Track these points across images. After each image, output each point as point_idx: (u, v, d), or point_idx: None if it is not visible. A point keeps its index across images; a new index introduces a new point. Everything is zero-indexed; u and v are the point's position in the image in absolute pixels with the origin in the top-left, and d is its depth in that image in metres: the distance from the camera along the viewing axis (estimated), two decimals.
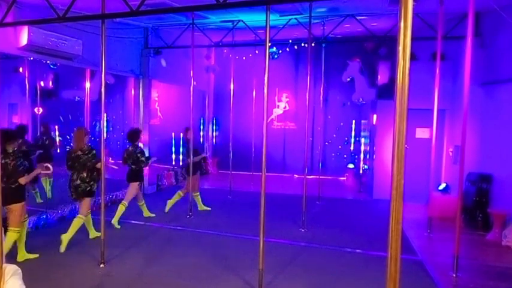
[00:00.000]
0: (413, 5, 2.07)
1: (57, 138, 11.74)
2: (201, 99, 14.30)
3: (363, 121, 12.57)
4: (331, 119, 13.80)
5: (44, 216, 7.35)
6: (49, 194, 8.67)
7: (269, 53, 4.77)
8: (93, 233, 6.78)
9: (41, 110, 10.91)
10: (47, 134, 9.70)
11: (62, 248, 6.06)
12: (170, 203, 8.59)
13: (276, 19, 9.08)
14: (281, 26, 9.44)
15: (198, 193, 8.79)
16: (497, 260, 6.14)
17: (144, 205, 8.20)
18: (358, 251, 6.40)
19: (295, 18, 9.15)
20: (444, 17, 6.95)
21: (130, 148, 7.67)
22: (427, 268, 5.67)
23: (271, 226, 6.38)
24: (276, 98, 14.09)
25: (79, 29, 7.97)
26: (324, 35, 10.17)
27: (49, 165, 5.98)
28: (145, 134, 10.65)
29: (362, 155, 12.02)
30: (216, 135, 14.96)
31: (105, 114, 5.78)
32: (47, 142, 9.38)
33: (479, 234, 7.30)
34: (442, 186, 8.93)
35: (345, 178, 13.36)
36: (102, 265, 5.55)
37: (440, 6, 6.73)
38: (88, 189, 6.33)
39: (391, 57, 10.29)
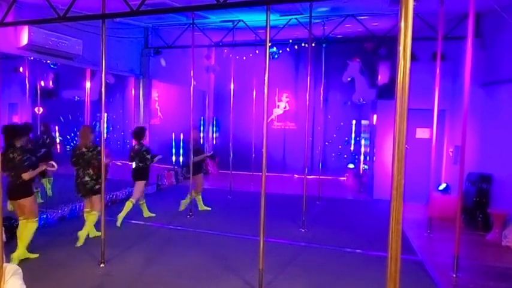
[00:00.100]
0: (413, 5, 2.07)
1: (58, 138, 11.74)
2: (201, 99, 14.31)
3: (363, 122, 12.57)
4: (331, 119, 13.81)
5: (44, 216, 7.34)
6: (50, 193, 8.68)
7: (269, 53, 4.77)
8: (93, 232, 6.78)
9: (41, 109, 10.92)
10: (47, 133, 9.71)
11: (79, 243, 6.30)
12: (184, 204, 8.61)
13: (276, 19, 9.09)
14: (281, 26, 9.43)
15: (200, 193, 8.80)
16: (497, 260, 6.14)
17: (145, 205, 8.20)
18: (358, 251, 6.40)
19: (296, 18, 9.15)
20: (445, 17, 6.95)
21: (136, 146, 7.77)
22: (427, 268, 5.67)
23: (271, 226, 6.37)
24: (276, 98, 14.09)
25: (79, 28, 7.97)
26: (324, 35, 10.17)
27: (53, 163, 6.04)
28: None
29: (362, 155, 12.03)
30: (216, 136, 14.95)
31: (105, 114, 5.79)
32: (47, 141, 9.38)
33: (480, 234, 7.30)
34: (442, 186, 8.93)
35: (345, 178, 13.36)
36: (102, 265, 5.55)
37: (440, 7, 6.73)
38: (97, 187, 6.38)
39: (391, 57, 10.29)
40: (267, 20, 4.60)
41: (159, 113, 14.19)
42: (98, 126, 11.99)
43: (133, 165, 7.83)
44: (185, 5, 5.36)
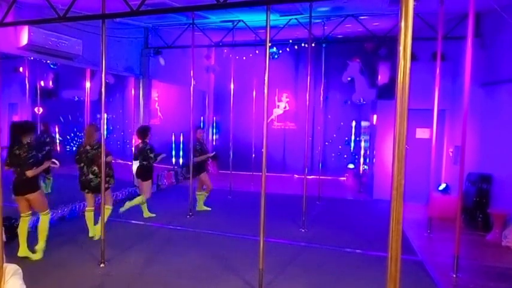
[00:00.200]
0: (414, 5, 2.07)
1: (57, 138, 11.74)
2: (201, 99, 14.31)
3: (363, 124, 12.56)
4: (331, 119, 13.81)
5: None
6: (48, 189, 8.68)
7: (269, 53, 4.77)
8: (92, 232, 6.79)
9: (41, 109, 10.92)
10: (47, 132, 9.71)
11: (96, 238, 6.51)
12: (200, 204, 8.68)
13: (276, 19, 9.08)
14: (281, 26, 9.43)
15: (201, 193, 8.82)
16: (497, 260, 6.13)
17: (146, 204, 8.20)
18: (358, 251, 6.40)
19: (296, 19, 9.15)
20: (444, 17, 6.95)
21: (140, 145, 7.88)
22: (427, 268, 5.67)
23: (271, 226, 6.37)
24: (276, 98, 14.09)
25: (79, 28, 7.97)
26: (324, 35, 10.17)
27: (55, 161, 6.10)
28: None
29: (362, 155, 12.03)
30: (216, 137, 14.95)
31: (105, 114, 5.79)
32: (47, 140, 9.39)
33: (480, 234, 7.30)
34: (442, 186, 8.93)
35: (345, 178, 13.37)
36: (102, 265, 5.55)
37: (440, 7, 6.73)
38: (106, 185, 6.39)
39: (391, 58, 10.29)
40: (267, 20, 4.60)
41: (159, 113, 14.20)
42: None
43: (137, 163, 7.98)
44: (185, 5, 5.35)
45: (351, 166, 13.15)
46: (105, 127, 7.53)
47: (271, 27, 4.91)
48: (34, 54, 7.52)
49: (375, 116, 10.62)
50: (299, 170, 13.26)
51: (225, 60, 13.30)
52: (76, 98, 12.66)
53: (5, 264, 2.47)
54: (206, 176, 8.69)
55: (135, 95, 11.04)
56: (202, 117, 14.33)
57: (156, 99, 13.91)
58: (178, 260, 5.84)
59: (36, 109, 10.98)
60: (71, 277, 5.23)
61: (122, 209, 7.67)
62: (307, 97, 7.81)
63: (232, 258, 5.94)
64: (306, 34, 8.68)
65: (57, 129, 11.75)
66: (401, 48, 2.07)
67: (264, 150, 4.79)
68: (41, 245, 5.82)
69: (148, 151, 7.79)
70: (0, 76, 7.07)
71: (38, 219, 7.07)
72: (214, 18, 9.64)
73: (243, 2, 4.73)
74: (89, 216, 6.78)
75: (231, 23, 9.89)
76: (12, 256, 5.46)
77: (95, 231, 6.72)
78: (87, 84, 11.05)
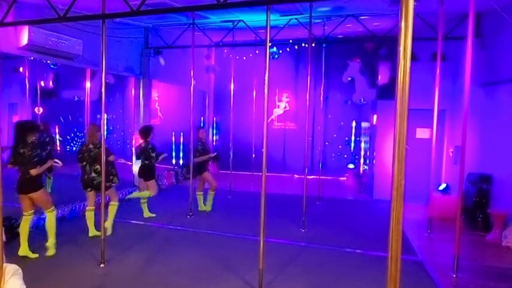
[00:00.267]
0: (414, 5, 2.07)
1: (57, 138, 11.74)
2: (201, 99, 14.31)
3: (363, 125, 12.55)
4: (332, 119, 13.80)
5: (44, 216, 7.33)
6: (48, 189, 8.69)
7: (269, 53, 4.77)
8: (92, 232, 6.80)
9: (41, 109, 10.92)
10: (47, 132, 9.71)
11: (108, 233, 6.60)
12: (209, 203, 8.70)
13: (276, 19, 9.08)
14: (281, 26, 9.43)
15: (202, 193, 8.83)
16: (497, 260, 6.13)
17: (146, 205, 8.21)
18: (358, 251, 6.40)
19: (296, 19, 9.15)
20: (445, 17, 6.95)
21: (142, 144, 7.99)
22: (427, 268, 5.67)
23: (271, 226, 6.37)
24: (276, 98, 14.09)
25: (79, 28, 7.97)
26: (325, 35, 10.17)
27: (58, 160, 6.11)
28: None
29: (362, 156, 12.02)
30: (216, 137, 14.95)
31: (105, 115, 5.80)
32: (47, 140, 9.38)
33: (480, 234, 7.30)
34: (442, 186, 8.93)
35: (345, 178, 13.36)
36: (102, 265, 5.55)
37: (440, 7, 6.73)
38: (108, 184, 6.67)
39: (391, 58, 10.29)
40: (267, 20, 4.60)
41: (159, 113, 14.19)
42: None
43: (139, 163, 8.12)
44: (185, 5, 5.35)
45: (351, 166, 13.15)
46: (105, 127, 7.55)
47: (271, 27, 4.90)
48: (34, 54, 7.52)
49: (375, 116, 10.62)
50: (299, 170, 13.25)
51: (225, 60, 13.30)
52: (76, 98, 12.66)
53: (5, 264, 2.47)
54: (209, 174, 8.69)
55: (135, 95, 11.04)
56: (202, 117, 14.34)
57: (156, 99, 13.91)
58: (178, 260, 5.84)
59: (36, 109, 10.98)
60: (71, 277, 5.23)
61: (128, 196, 7.96)
62: (307, 97, 7.81)
63: (232, 258, 5.94)
64: (306, 34, 8.68)
65: (57, 129, 11.75)
66: (401, 48, 2.07)
67: (264, 150, 4.79)
68: (51, 242, 5.96)
69: (150, 150, 7.88)
70: (0, 76, 7.07)
71: (37, 219, 7.13)
72: (215, 18, 9.64)
73: (243, 2, 4.73)
74: (90, 215, 6.81)
75: (231, 23, 9.89)
76: (12, 255, 5.47)
77: (95, 231, 6.73)
78: (87, 84, 11.05)
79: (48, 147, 8.84)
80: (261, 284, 4.80)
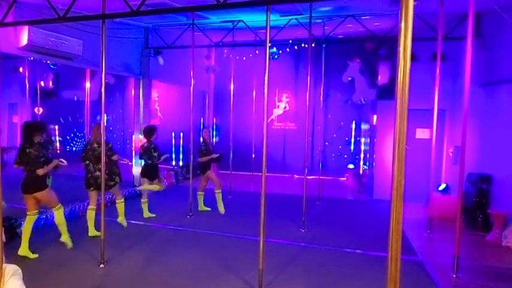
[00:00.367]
0: (414, 6, 2.07)
1: (57, 138, 11.74)
2: (201, 100, 14.31)
3: (363, 127, 12.55)
4: (332, 119, 13.80)
5: (44, 216, 7.33)
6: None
7: (269, 53, 4.77)
8: (92, 232, 6.80)
9: (41, 109, 10.93)
10: (45, 132, 9.70)
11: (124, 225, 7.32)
12: (220, 204, 8.61)
13: (276, 19, 9.08)
14: (281, 26, 9.43)
15: (203, 193, 8.83)
16: (497, 260, 6.13)
17: (147, 204, 8.22)
18: (358, 251, 6.40)
19: (296, 19, 9.15)
20: (445, 18, 6.95)
21: (145, 144, 8.07)
22: (427, 268, 5.67)
23: (271, 226, 6.37)
24: (276, 98, 14.09)
25: (79, 29, 7.97)
26: (325, 35, 10.17)
27: (63, 160, 6.14)
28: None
29: (362, 156, 12.02)
30: (216, 138, 14.94)
31: (105, 115, 5.81)
32: (47, 140, 9.39)
33: (480, 234, 7.30)
34: (442, 186, 8.93)
35: (345, 178, 13.36)
36: (102, 265, 5.55)
37: (440, 7, 6.73)
38: (112, 183, 6.93)
39: (391, 58, 10.29)
40: (267, 20, 4.60)
41: (159, 113, 14.20)
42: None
43: (142, 163, 8.25)
44: (185, 5, 5.35)
45: (351, 166, 13.15)
46: (105, 127, 7.56)
47: (271, 28, 4.90)
48: (34, 54, 7.52)
49: (375, 116, 10.62)
50: (299, 170, 13.25)
51: (225, 61, 13.30)
52: (75, 98, 12.66)
53: (4, 265, 2.47)
54: (213, 173, 8.66)
55: (135, 95, 11.04)
56: (202, 118, 14.34)
57: (156, 99, 13.91)
58: (178, 260, 5.84)
59: (36, 109, 10.98)
60: (71, 277, 5.23)
61: (139, 188, 8.21)
62: (307, 97, 7.81)
63: (232, 259, 5.94)
64: (306, 34, 8.68)
65: (57, 130, 11.76)
66: (401, 48, 2.07)
67: (264, 150, 4.79)
68: (65, 237, 6.15)
69: (153, 150, 7.96)
70: (0, 76, 7.08)
71: (38, 219, 7.13)
72: (215, 19, 9.64)
73: (243, 2, 4.73)
74: (91, 215, 6.83)
75: (231, 23, 9.89)
76: (12, 255, 5.47)
77: (95, 231, 6.74)
78: (87, 85, 11.06)
79: (50, 147, 8.87)
80: (261, 284, 4.80)
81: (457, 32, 7.87)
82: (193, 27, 8.44)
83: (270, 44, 4.72)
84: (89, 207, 6.92)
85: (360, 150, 12.33)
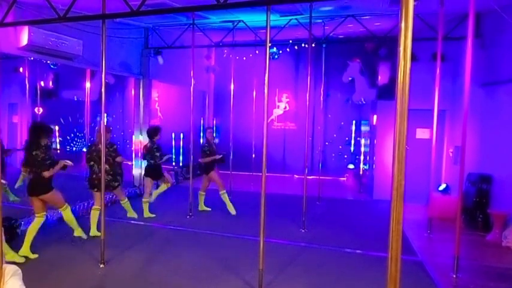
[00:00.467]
0: (414, 6, 2.07)
1: (57, 139, 11.73)
2: (201, 100, 14.31)
3: (363, 129, 12.55)
4: (332, 119, 13.80)
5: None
6: None
7: (269, 53, 4.77)
8: (93, 231, 6.81)
9: (41, 110, 10.91)
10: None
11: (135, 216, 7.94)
12: (229, 205, 8.57)
13: (276, 19, 9.08)
14: (282, 26, 9.43)
15: (205, 193, 8.83)
16: (497, 260, 6.13)
17: (147, 204, 8.23)
18: (358, 251, 6.40)
19: (296, 19, 9.15)
20: (445, 18, 6.95)
21: (148, 144, 8.22)
22: (427, 269, 5.67)
23: (271, 226, 6.37)
24: (276, 99, 14.09)
25: (79, 29, 7.96)
26: (325, 35, 10.17)
27: (68, 160, 6.17)
28: (145, 134, 10.65)
29: (362, 156, 12.02)
30: (216, 139, 14.92)
31: (105, 115, 5.81)
32: None
33: (480, 234, 7.30)
34: (442, 186, 8.93)
35: (345, 178, 13.36)
36: (102, 265, 5.55)
37: (440, 7, 6.72)
38: (116, 184, 7.15)
39: (391, 58, 10.29)
40: (267, 21, 4.60)
41: (159, 114, 14.19)
42: (97, 128, 11.99)
43: (145, 163, 8.40)
44: (185, 5, 5.34)
45: (351, 166, 13.14)
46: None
47: (272, 28, 4.90)
48: (34, 54, 7.52)
49: (375, 116, 10.62)
50: (299, 170, 13.25)
51: (225, 61, 13.30)
52: (75, 98, 12.66)
53: (4, 265, 2.47)
54: (216, 174, 8.62)
55: (135, 95, 11.04)
56: (202, 118, 14.33)
57: (156, 99, 13.90)
58: (178, 260, 5.84)
59: (36, 109, 10.97)
60: (71, 277, 5.23)
61: (154, 197, 8.38)
62: (307, 97, 7.81)
63: (232, 259, 5.94)
64: (306, 34, 8.68)
65: (57, 130, 11.74)
66: (401, 48, 2.07)
67: (264, 150, 4.79)
68: (78, 232, 6.44)
69: (155, 150, 8.08)
70: (0, 76, 7.08)
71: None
72: (215, 19, 9.64)
73: (243, 2, 4.73)
74: (95, 214, 6.86)
75: (231, 23, 9.88)
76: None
77: (96, 231, 6.75)
78: (87, 85, 11.05)
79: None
80: (261, 284, 4.80)
81: (457, 32, 7.87)
82: (193, 27, 8.44)
83: (270, 44, 4.72)
84: (94, 207, 6.96)
85: (360, 151, 12.32)
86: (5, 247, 5.44)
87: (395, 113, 2.12)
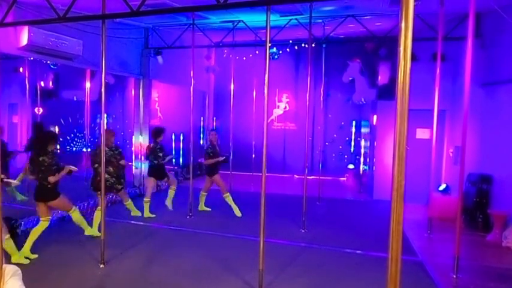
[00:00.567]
0: (414, 6, 2.06)
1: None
2: (201, 100, 14.30)
3: (363, 130, 12.54)
4: (332, 119, 13.80)
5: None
6: None
7: (269, 53, 4.77)
8: (94, 231, 6.81)
9: (41, 110, 10.91)
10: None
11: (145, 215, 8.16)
12: (235, 208, 8.51)
13: (276, 19, 9.08)
14: (282, 27, 9.43)
15: (206, 193, 8.83)
16: (497, 261, 6.13)
17: (148, 204, 8.23)
18: (358, 251, 6.40)
19: (296, 19, 9.15)
20: (445, 18, 6.94)
21: (152, 144, 8.38)
22: (427, 269, 5.66)
23: (271, 226, 6.37)
24: (276, 99, 14.09)
25: (79, 29, 7.96)
26: (325, 35, 10.17)
27: (72, 166, 6.19)
28: (146, 134, 10.66)
29: (362, 156, 12.02)
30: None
31: (105, 115, 5.81)
32: None
33: (480, 235, 7.30)
34: (443, 187, 8.92)
35: (345, 179, 13.36)
36: (102, 265, 5.55)
37: (441, 7, 6.72)
38: (120, 187, 7.31)
39: (391, 58, 10.28)
40: (267, 21, 4.60)
41: (159, 114, 14.19)
42: (97, 128, 12.01)
43: (143, 164, 8.65)
44: (185, 5, 5.34)
45: (351, 166, 13.14)
46: (105, 127, 7.58)
47: (272, 28, 4.90)
48: (34, 54, 7.52)
49: (375, 117, 10.62)
50: (299, 170, 13.25)
51: (225, 61, 13.30)
52: (75, 98, 12.65)
53: (4, 265, 2.47)
54: (219, 177, 8.57)
55: (135, 95, 11.03)
56: (202, 118, 14.33)
57: (156, 99, 13.90)
58: (179, 260, 5.84)
59: (36, 109, 10.96)
60: (71, 277, 5.23)
61: (170, 208, 8.58)
62: (307, 97, 7.81)
63: (232, 259, 5.94)
64: (306, 34, 8.68)
65: (57, 130, 11.73)
66: (401, 48, 2.07)
67: (264, 150, 4.79)
68: (88, 231, 6.65)
69: (158, 150, 8.22)
70: (0, 76, 7.08)
71: (38, 219, 7.14)
72: (215, 19, 9.64)
73: (243, 3, 4.73)
74: (98, 215, 6.85)
75: (231, 24, 9.88)
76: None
77: (96, 231, 6.76)
78: (87, 85, 11.04)
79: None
80: (261, 285, 4.80)
81: (457, 32, 7.86)
82: (193, 27, 8.44)
83: (270, 44, 4.72)
84: (98, 207, 6.97)
85: (360, 151, 12.32)
86: (13, 250, 5.52)
87: (396, 113, 2.12)
